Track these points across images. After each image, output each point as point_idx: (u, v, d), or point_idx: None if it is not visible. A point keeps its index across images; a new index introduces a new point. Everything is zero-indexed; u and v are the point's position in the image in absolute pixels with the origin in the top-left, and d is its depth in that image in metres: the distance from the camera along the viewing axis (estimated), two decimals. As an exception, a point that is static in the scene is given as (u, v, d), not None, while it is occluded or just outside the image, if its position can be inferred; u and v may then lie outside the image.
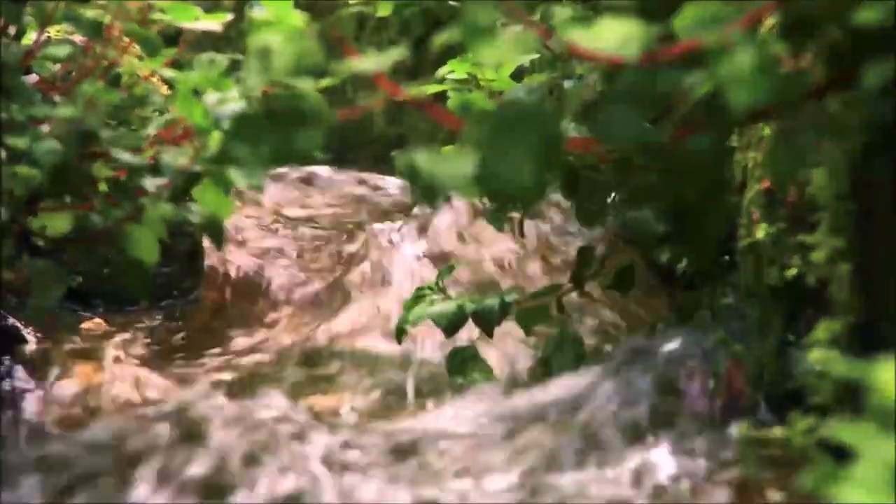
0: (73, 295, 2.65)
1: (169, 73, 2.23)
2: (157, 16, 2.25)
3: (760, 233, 2.24)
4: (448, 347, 2.56)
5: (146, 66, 2.25)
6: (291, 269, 3.58)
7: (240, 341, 3.21)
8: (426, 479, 2.12)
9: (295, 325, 3.33)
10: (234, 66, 2.18)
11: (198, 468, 2.05)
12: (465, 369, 2.49)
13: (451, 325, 2.50)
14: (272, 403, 2.33)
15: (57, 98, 2.20)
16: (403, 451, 2.23)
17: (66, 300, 2.16)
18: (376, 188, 4.41)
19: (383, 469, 2.13)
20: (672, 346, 2.45)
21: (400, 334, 2.54)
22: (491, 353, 2.73)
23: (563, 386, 2.47)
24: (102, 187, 2.22)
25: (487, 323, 2.49)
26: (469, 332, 2.56)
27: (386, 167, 4.43)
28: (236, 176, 2.14)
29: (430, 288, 2.57)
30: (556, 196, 2.77)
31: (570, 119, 1.97)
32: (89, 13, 2.21)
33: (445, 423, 2.44)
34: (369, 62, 1.65)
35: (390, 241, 3.62)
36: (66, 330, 2.84)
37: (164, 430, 2.11)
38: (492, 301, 2.48)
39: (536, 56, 2.42)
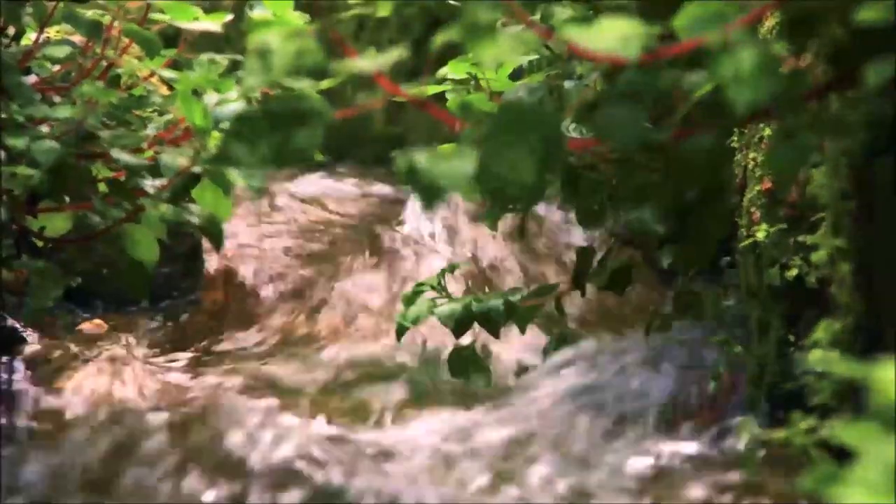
0: (72, 295, 2.63)
1: (168, 73, 2.22)
2: (156, 16, 2.25)
3: (761, 233, 2.23)
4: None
5: (146, 67, 2.25)
6: (291, 268, 3.57)
7: (240, 341, 3.20)
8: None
9: (292, 325, 3.32)
10: (234, 67, 2.18)
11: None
12: (465, 370, 2.49)
13: (459, 326, 2.49)
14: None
15: (56, 98, 2.20)
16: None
17: (64, 301, 2.16)
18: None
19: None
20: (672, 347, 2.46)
21: (400, 333, 2.51)
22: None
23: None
24: (101, 187, 2.23)
25: (493, 324, 2.49)
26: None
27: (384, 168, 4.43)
28: (236, 176, 2.15)
29: (430, 285, 2.55)
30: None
31: (571, 119, 1.96)
32: (88, 13, 2.21)
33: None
34: (369, 62, 1.65)
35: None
36: (65, 330, 2.83)
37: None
38: (496, 301, 2.47)
39: (536, 56, 2.41)
